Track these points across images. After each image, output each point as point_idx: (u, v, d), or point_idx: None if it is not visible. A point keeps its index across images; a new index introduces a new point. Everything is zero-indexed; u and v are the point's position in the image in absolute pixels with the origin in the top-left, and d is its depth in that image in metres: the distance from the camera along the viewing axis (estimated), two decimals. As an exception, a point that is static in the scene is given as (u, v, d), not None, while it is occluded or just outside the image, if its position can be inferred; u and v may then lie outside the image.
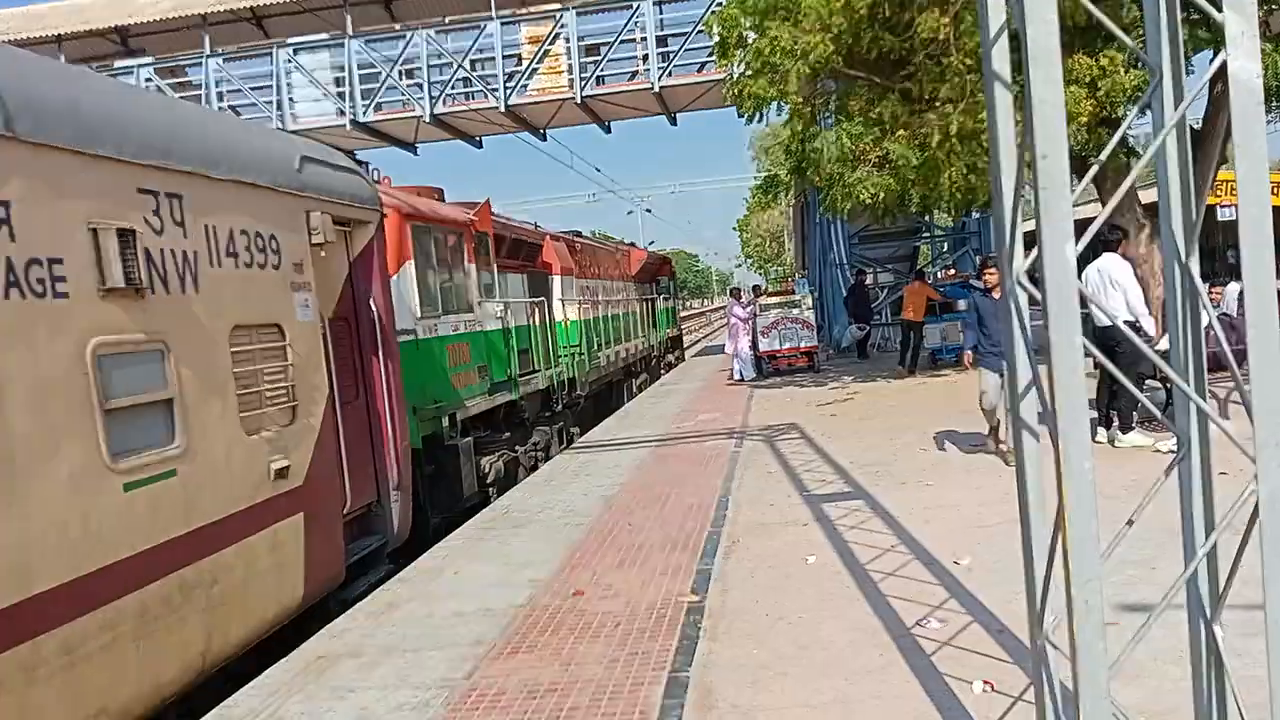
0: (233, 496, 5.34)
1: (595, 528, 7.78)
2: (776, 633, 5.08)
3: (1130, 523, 2.61)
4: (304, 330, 6.23)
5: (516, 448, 11.98)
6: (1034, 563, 2.71)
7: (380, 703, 4.66)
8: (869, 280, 24.50)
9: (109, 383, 4.49)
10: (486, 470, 10.61)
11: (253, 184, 5.82)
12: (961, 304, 15.28)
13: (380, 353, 7.51)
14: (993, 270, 8.37)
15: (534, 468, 11.96)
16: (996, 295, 7.87)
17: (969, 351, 8.91)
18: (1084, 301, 2.35)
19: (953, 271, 25.50)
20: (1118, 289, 8.43)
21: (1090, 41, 11.82)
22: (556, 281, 15.45)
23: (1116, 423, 8.80)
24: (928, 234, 27.80)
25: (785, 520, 7.44)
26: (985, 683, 4.10)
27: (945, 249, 28.14)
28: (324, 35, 21.77)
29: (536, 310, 13.71)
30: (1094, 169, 2.76)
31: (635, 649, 5.00)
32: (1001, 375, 7.94)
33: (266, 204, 5.96)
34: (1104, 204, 11.20)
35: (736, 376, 19.31)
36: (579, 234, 19.27)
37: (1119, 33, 2.58)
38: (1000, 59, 2.75)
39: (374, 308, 7.44)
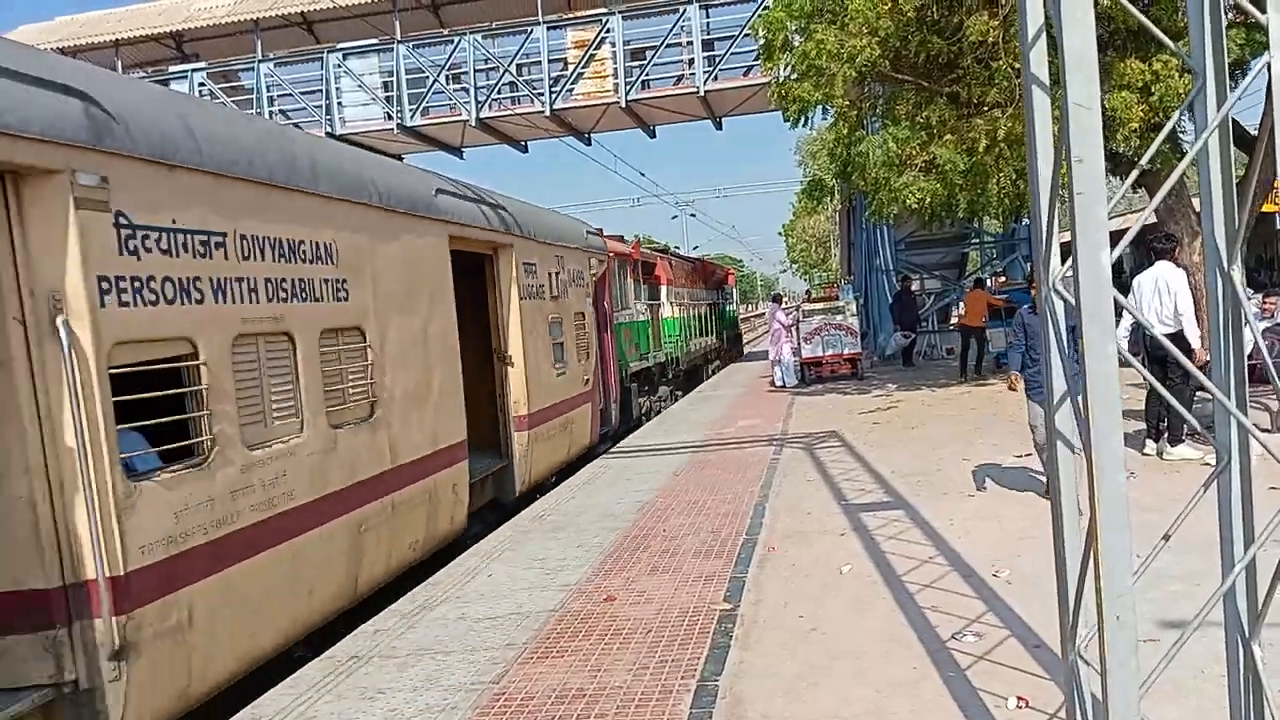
0: (575, 388, 12.18)
1: (630, 533, 7.76)
2: (809, 642, 5.02)
3: (1166, 537, 2.53)
4: (590, 316, 13.24)
5: (650, 396, 18.73)
6: (1066, 576, 2.64)
7: (410, 704, 4.67)
8: (915, 286, 24.23)
9: (554, 333, 11.40)
10: (641, 404, 17.58)
11: (579, 248, 13.11)
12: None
13: (608, 330, 14.77)
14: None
15: (657, 411, 18.21)
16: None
17: (1015, 373, 7.97)
18: (1118, 309, 2.28)
19: (1003, 279, 25.14)
20: (1170, 296, 8.24)
21: (1143, 46, 11.57)
22: (664, 290, 21.08)
23: (1166, 434, 8.60)
24: (977, 240, 27.41)
25: (822, 529, 7.36)
26: (1020, 699, 4.01)
27: (994, 256, 27.74)
28: (373, 40, 22.03)
29: (653, 310, 19.69)
30: (1135, 173, 2.69)
31: (665, 656, 4.96)
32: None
33: (580, 255, 13.19)
34: (1157, 211, 10.96)
35: (778, 383, 19.19)
36: (666, 249, 25.13)
37: (1161, 35, 2.51)
38: (1039, 63, 2.69)
39: (605, 306, 14.66)
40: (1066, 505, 2.66)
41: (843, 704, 4.22)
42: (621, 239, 18.17)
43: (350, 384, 6.67)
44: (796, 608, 5.59)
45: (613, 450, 12.90)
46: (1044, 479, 7.33)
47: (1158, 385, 2.48)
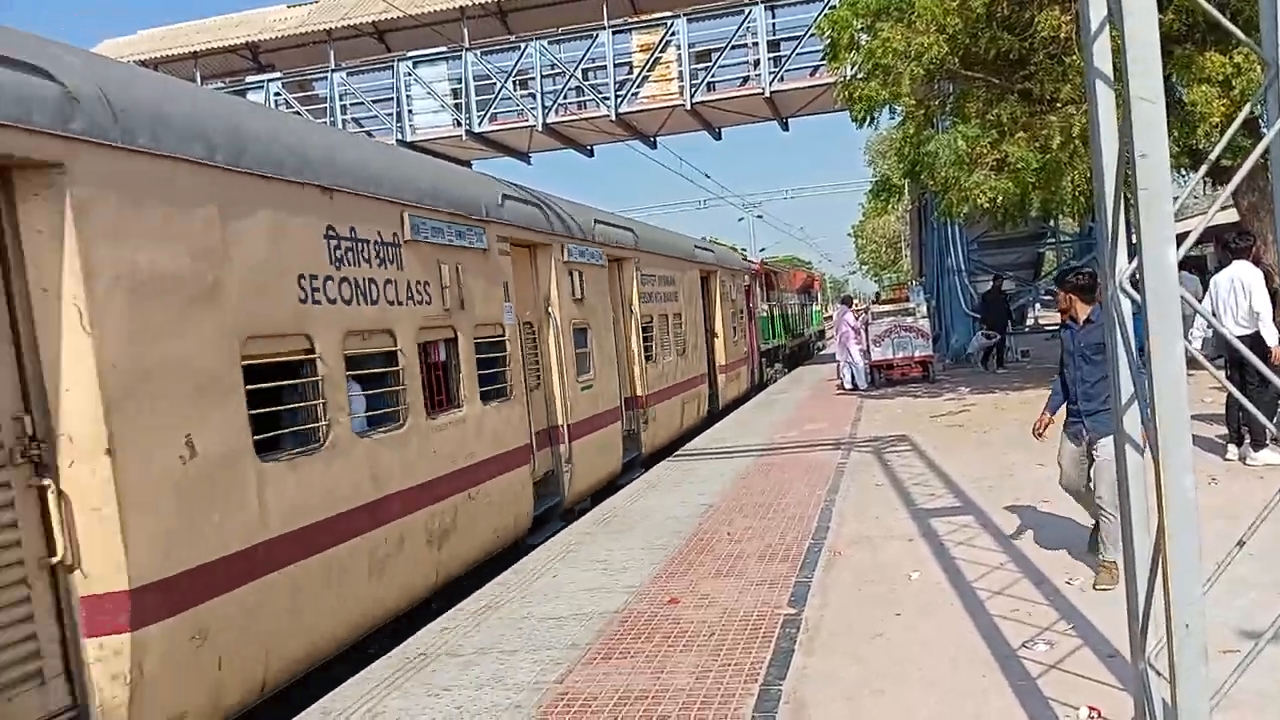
0: (742, 353, 20.73)
1: (694, 536, 7.75)
2: (874, 649, 4.96)
3: (1241, 543, 2.45)
4: (745, 312, 21.81)
5: (770, 368, 26.46)
6: (1135, 582, 2.57)
7: (474, 702, 4.73)
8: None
9: (733, 321, 20.42)
10: (769, 372, 25.77)
11: (742, 270, 22.63)
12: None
13: (754, 321, 23.18)
14: (1068, 298, 5.80)
15: (773, 380, 25.06)
16: (1081, 323, 5.71)
17: (1049, 414, 6.14)
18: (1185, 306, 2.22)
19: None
20: (1245, 296, 7.97)
21: (1224, 38, 11.20)
22: (775, 294, 28.55)
23: (1249, 439, 8.30)
24: (1052, 239, 26.79)
25: (890, 534, 7.26)
26: (1091, 709, 3.91)
27: (1071, 255, 27.08)
28: (441, 48, 22.37)
29: (770, 309, 27.04)
30: (1204, 168, 2.61)
31: (728, 660, 4.94)
32: (1085, 445, 5.75)
33: (741, 275, 22.15)
34: (1239, 208, 10.55)
35: (847, 385, 18.99)
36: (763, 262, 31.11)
37: (1231, 27, 2.43)
38: (1103, 57, 2.62)
39: (751, 306, 22.83)
40: (1135, 510, 2.58)
41: (908, 712, 4.16)
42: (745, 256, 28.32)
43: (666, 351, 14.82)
44: (862, 613, 5.53)
45: (678, 454, 12.89)
46: (1102, 549, 5.63)
47: (1230, 388, 2.40)
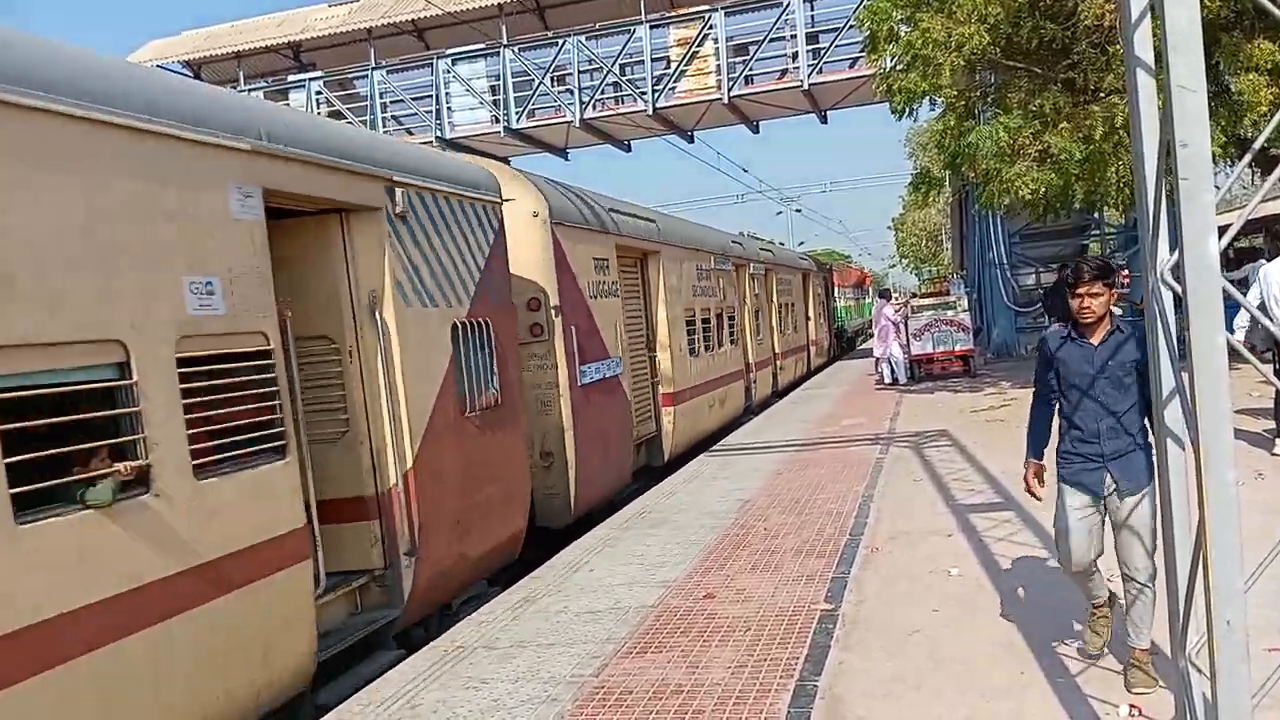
0: (823, 332, 29.33)
1: (730, 530, 7.74)
2: (912, 645, 4.92)
3: (1286, 541, 2.40)
4: (824, 302, 30.20)
5: (836, 347, 32.59)
6: (1176, 578, 2.53)
7: (511, 695, 4.76)
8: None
9: (819, 307, 29.04)
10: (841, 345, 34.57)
11: (821, 272, 30.47)
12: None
13: (827, 307, 31.14)
14: (1092, 289, 4.08)
15: (841, 355, 32.43)
16: (1096, 334, 4.13)
17: (1035, 461, 4.54)
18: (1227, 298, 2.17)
19: (1126, 273, 24.07)
20: None
21: (1274, 25, 10.95)
22: (836, 289, 34.71)
23: (1299, 434, 8.13)
24: (1096, 232, 26.35)
25: (929, 529, 7.20)
26: (1132, 706, 3.85)
27: (1116, 247, 26.64)
28: (480, 45, 22.48)
29: (831, 300, 32.69)
30: (1248, 157, 2.56)
31: (764, 655, 4.94)
32: (1096, 496, 4.17)
33: (820, 275, 29.74)
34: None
35: (887, 380, 18.85)
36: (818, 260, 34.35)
37: (1278, 14, 2.37)
38: (1143, 44, 2.58)
39: (824, 295, 30.39)
40: (1176, 506, 2.54)
41: (946, 709, 4.12)
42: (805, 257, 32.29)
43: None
44: (900, 610, 5.49)
45: (715, 448, 12.87)
46: (1091, 634, 4.51)
47: (1276, 382, 2.35)
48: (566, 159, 26.57)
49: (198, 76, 24.25)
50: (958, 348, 18.58)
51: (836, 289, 34.99)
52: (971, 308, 20.15)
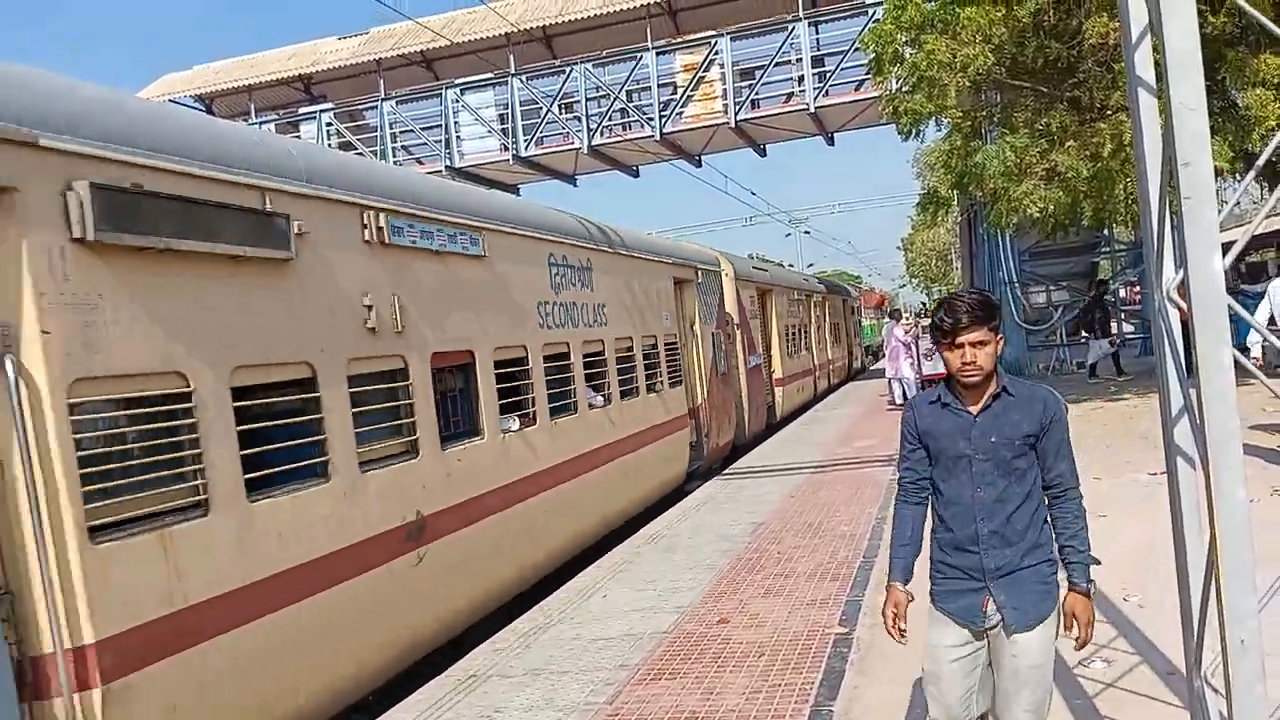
0: (845, 353, 33.66)
1: (744, 555, 7.71)
2: (927, 667, 4.87)
3: (1300, 560, 2.39)
4: (852, 323, 36.67)
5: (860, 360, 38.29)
6: (1190, 598, 2.51)
7: (525, 724, 4.74)
8: (1041, 299, 23.27)
9: (845, 328, 34.59)
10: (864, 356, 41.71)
11: (854, 300, 38.98)
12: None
13: (858, 325, 39.76)
14: (974, 336, 2.95)
15: (864, 367, 38.67)
16: (976, 400, 3.03)
17: (899, 587, 3.43)
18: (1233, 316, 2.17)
19: (1137, 289, 23.96)
20: None
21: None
22: (859, 310, 40.65)
23: (1316, 449, 8.07)
24: (1106, 249, 26.31)
25: (942, 550, 7.14)
26: (1152, 729, 3.81)
27: (1126, 264, 26.56)
28: (489, 74, 22.66)
29: (856, 319, 38.61)
30: (1251, 174, 2.56)
31: (778, 681, 4.91)
32: (974, 627, 3.19)
33: (853, 302, 38.09)
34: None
35: (898, 400, 18.79)
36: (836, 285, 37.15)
37: (1275, 30, 2.38)
38: (1144, 64, 2.59)
39: (855, 316, 38.84)
40: (1188, 524, 2.53)
41: (962, 731, 4.08)
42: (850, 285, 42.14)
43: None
44: (915, 633, 5.43)
45: (727, 471, 12.85)
46: None
47: (1285, 397, 2.35)
48: (575, 185, 26.70)
49: (210, 111, 24.52)
50: (969, 367, 18.41)
51: (862, 310, 44.42)
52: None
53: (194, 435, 4.41)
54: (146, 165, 4.34)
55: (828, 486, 10.45)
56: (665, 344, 11.93)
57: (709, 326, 14.08)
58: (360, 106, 24.10)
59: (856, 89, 20.72)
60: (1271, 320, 8.96)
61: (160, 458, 4.31)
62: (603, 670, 5.37)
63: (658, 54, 21.77)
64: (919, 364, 18.62)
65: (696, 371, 13.35)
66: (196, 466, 4.42)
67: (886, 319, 25.51)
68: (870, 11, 19.50)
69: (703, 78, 21.61)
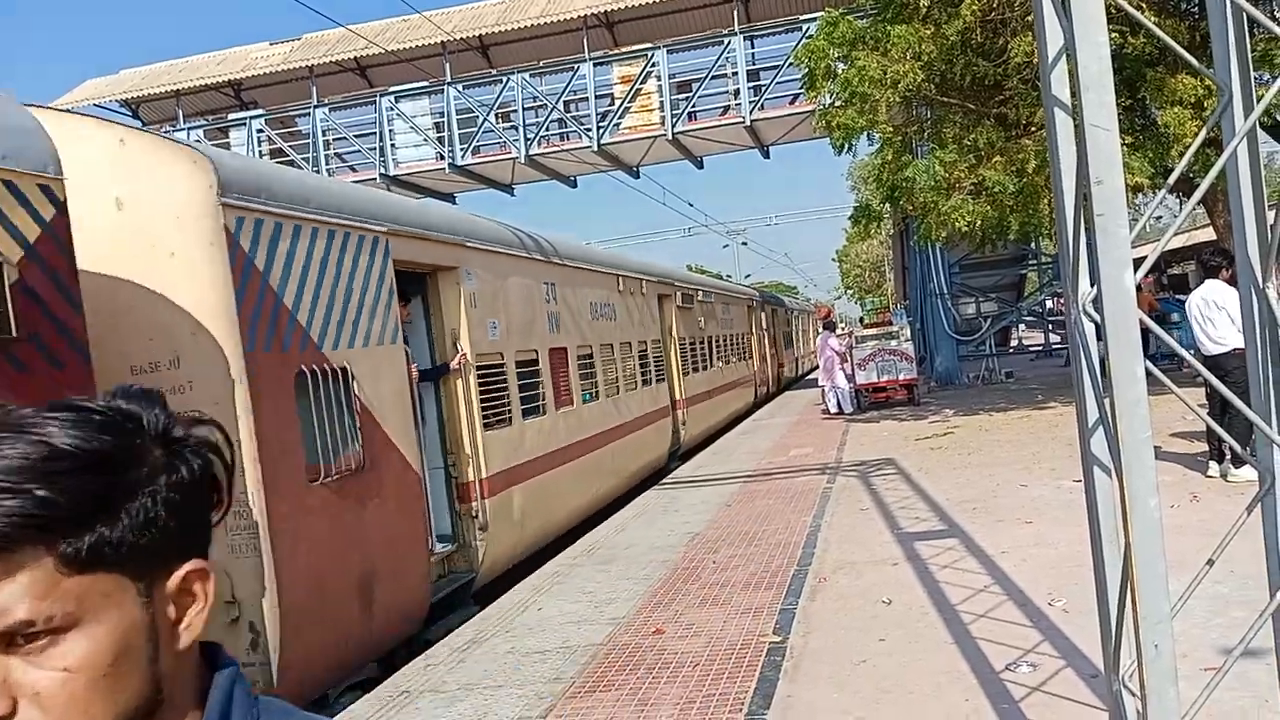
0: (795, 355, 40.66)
1: (680, 565, 7.73)
2: (859, 675, 4.94)
3: (1210, 562, 2.47)
4: (810, 333, 45.07)
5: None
6: (1108, 604, 2.58)
7: (458, 739, 4.69)
8: (971, 310, 23.84)
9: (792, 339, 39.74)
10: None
11: (810, 311, 49.64)
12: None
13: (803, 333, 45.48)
14: None
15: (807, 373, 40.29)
16: None
17: None
18: (1144, 329, 2.24)
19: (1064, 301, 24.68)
20: (1221, 312, 8.03)
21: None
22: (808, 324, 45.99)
23: (1229, 456, 8.35)
24: (1033, 262, 27.02)
25: (875, 559, 7.26)
26: (1074, 732, 3.90)
27: (1052, 277, 27.29)
28: (424, 82, 22.50)
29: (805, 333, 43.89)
30: (1163, 192, 2.64)
31: (713, 690, 4.92)
32: None
33: (808, 316, 47.85)
34: (1216, 228, 10.60)
35: (833, 409, 19.03)
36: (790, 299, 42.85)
37: (1183, 53, 2.47)
38: (1059, 84, 2.66)
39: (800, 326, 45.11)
40: (1105, 533, 2.60)
41: (892, 738, 4.14)
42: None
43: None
44: (847, 640, 5.51)
45: (664, 482, 12.87)
46: None
47: (1195, 409, 2.43)
48: (513, 195, 26.61)
49: (136, 115, 23.93)
50: (901, 376, 18.84)
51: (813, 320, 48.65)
52: (914, 337, 20.47)
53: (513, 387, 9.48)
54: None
55: (763, 495, 10.53)
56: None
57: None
58: (293, 113, 23.75)
59: (791, 103, 21.01)
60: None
61: (502, 394, 9.10)
62: (537, 684, 5.34)
63: (595, 65, 21.83)
64: (853, 373, 18.93)
65: (670, 370, 17.18)
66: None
67: (821, 329, 25.89)
68: (804, 27, 19.79)
69: (640, 90, 21.72)
